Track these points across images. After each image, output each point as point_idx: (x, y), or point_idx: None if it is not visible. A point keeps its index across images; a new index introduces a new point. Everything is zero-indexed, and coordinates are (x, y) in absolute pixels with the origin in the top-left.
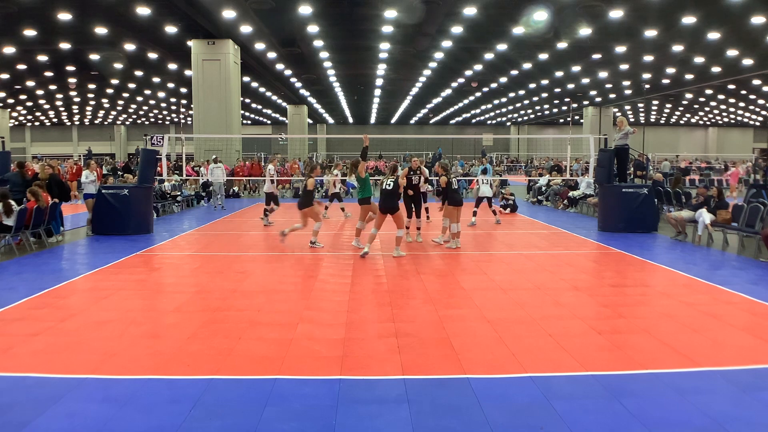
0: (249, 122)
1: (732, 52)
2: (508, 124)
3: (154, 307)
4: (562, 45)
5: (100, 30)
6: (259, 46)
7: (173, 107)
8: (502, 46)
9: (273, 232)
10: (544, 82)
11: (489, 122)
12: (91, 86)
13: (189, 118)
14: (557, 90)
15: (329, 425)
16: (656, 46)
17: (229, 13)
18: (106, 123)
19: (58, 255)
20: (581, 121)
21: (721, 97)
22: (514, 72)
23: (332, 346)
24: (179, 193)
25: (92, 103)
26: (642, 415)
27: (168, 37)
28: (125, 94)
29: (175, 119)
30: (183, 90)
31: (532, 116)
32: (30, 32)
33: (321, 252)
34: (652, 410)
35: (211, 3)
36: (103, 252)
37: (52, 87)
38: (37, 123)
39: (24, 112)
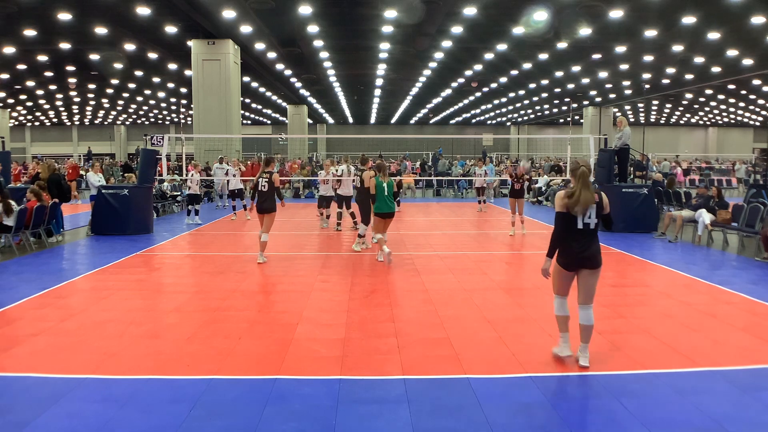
0: (249, 122)
1: (732, 52)
2: (508, 124)
3: (154, 307)
4: (562, 45)
5: (100, 30)
6: (259, 46)
7: (173, 107)
8: (502, 46)
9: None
10: (544, 82)
11: (489, 122)
12: (91, 86)
13: (189, 118)
14: (557, 90)
15: (329, 425)
16: (656, 46)
17: (229, 13)
18: (106, 123)
19: (59, 255)
20: (581, 121)
21: (721, 97)
22: (514, 72)
23: (332, 346)
24: (179, 193)
25: (92, 103)
26: (642, 415)
27: (168, 37)
28: (125, 94)
29: (175, 119)
30: (183, 90)
31: (532, 116)
32: (30, 32)
33: (321, 252)
34: (652, 410)
35: (211, 3)
36: (103, 252)
37: (52, 87)
38: (37, 123)
39: (24, 112)
